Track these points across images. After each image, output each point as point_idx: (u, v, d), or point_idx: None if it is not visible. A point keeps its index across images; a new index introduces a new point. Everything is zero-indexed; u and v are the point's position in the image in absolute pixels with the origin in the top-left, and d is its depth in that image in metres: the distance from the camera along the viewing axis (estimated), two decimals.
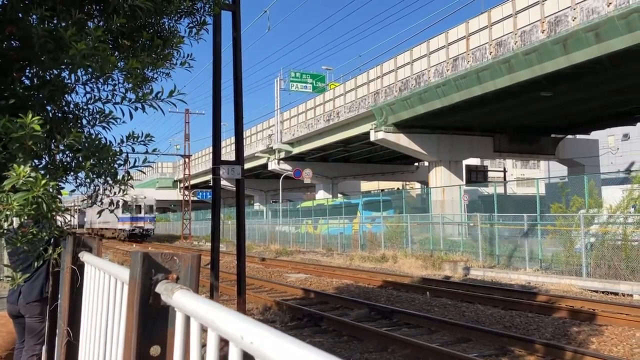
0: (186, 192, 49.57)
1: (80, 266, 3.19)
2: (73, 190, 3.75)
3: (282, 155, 43.76)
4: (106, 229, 49.09)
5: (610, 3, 19.41)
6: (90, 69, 3.01)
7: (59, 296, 3.83)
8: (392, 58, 31.52)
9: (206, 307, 1.26)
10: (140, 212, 44.27)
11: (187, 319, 1.46)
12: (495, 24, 24.54)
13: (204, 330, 1.38)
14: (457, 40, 26.67)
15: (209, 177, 58.07)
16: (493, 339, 8.23)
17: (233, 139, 44.15)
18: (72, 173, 3.36)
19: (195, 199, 53.81)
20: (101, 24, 3.60)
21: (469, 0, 25.01)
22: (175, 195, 69.75)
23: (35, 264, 3.80)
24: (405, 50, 30.50)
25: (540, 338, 8.27)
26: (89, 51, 2.75)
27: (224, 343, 1.31)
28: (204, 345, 1.41)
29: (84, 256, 3.12)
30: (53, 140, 3.32)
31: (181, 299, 1.44)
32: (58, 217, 3.63)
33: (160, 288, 1.62)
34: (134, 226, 43.41)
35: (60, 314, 3.55)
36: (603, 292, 13.06)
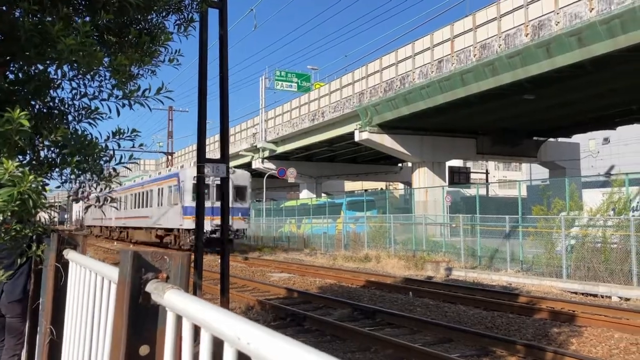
0: None
1: (65, 264, 3.15)
2: (58, 187, 3.71)
3: (267, 154, 43.67)
4: (141, 228, 30.88)
5: (592, 8, 19.67)
6: (76, 65, 2.98)
7: (42, 294, 3.78)
8: (377, 59, 31.62)
9: (199, 307, 1.26)
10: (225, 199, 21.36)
11: (178, 319, 1.45)
12: (479, 26, 24.73)
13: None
14: (441, 42, 26.82)
15: None
16: (475, 340, 8.29)
17: (217, 137, 43.94)
18: (57, 169, 3.32)
19: None
20: (87, 19, 3.57)
21: (455, 3, 25.23)
22: None
23: (19, 261, 3.74)
24: (391, 51, 30.63)
25: (522, 339, 8.35)
26: (77, 47, 2.72)
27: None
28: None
29: (69, 254, 3.08)
30: (38, 136, 3.28)
31: (173, 299, 1.43)
32: (42, 214, 3.59)
33: (150, 287, 1.61)
34: (214, 225, 23.32)
35: (43, 312, 3.50)
36: (582, 294, 13.24)
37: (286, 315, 10.31)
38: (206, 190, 23.65)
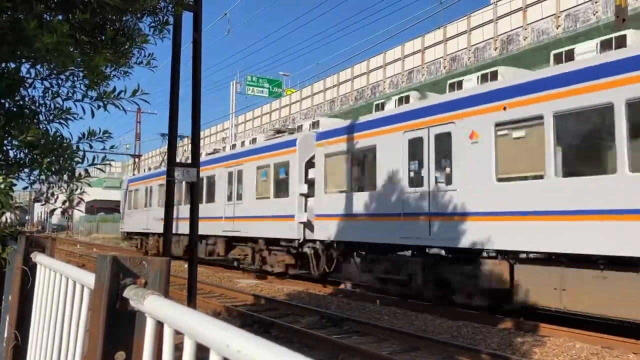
0: None
1: (32, 267, 3.07)
2: (26, 187, 3.62)
3: None
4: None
5: (559, 25, 20.22)
6: (52, 64, 2.92)
7: (5, 298, 3.68)
8: (348, 67, 31.85)
9: (183, 314, 1.24)
10: None
11: (158, 325, 1.43)
12: (450, 39, 25.17)
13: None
14: (412, 53, 27.19)
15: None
16: (441, 349, 8.37)
17: (185, 141, 43.46)
18: (26, 170, 3.25)
19: None
20: (60, 17, 3.50)
21: (427, 16, 25.59)
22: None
23: None
24: (362, 60, 30.87)
25: (487, 348, 8.46)
26: (54, 46, 2.67)
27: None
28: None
29: (37, 257, 3.01)
30: (7, 136, 3.19)
31: (154, 305, 1.41)
32: (7, 215, 3.50)
33: (129, 293, 1.58)
34: None
35: (7, 316, 3.40)
36: None
37: (253, 322, 10.24)
38: None
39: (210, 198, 20.81)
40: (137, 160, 48.63)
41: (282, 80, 43.63)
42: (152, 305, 1.42)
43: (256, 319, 10.38)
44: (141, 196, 27.81)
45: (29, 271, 3.05)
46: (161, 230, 22.81)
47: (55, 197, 3.67)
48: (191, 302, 8.51)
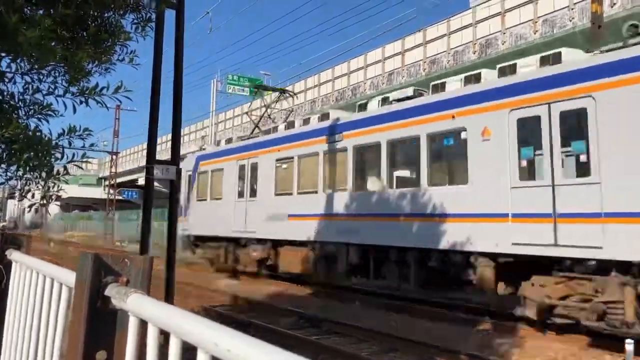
0: (111, 191, 47.88)
1: (7, 265, 3.00)
2: (2, 183, 3.54)
3: None
4: None
5: (536, 31, 20.50)
6: (33, 59, 2.86)
7: None
8: (329, 68, 31.89)
9: (169, 312, 1.22)
10: None
11: (141, 324, 1.41)
12: (429, 42, 25.35)
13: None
14: (393, 55, 27.33)
15: (136, 175, 56.32)
16: (421, 350, 8.41)
17: (164, 138, 43.10)
18: (3, 165, 3.18)
19: (121, 198, 52.02)
20: (41, 11, 3.44)
21: (407, 19, 25.76)
22: (99, 193, 67.26)
23: None
24: (343, 61, 30.94)
25: (465, 349, 8.51)
26: (36, 40, 2.61)
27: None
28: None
29: (12, 254, 2.94)
30: None
31: (137, 303, 1.39)
32: None
33: (110, 291, 1.55)
34: None
35: None
36: None
37: (231, 322, 10.17)
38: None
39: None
40: (114, 157, 48.05)
41: (263, 79, 43.49)
42: (135, 304, 1.39)
43: (234, 319, 10.31)
44: (227, 180, 18.31)
45: (4, 269, 2.98)
46: (274, 235, 14.72)
47: (32, 193, 3.60)
48: (168, 302, 8.42)
